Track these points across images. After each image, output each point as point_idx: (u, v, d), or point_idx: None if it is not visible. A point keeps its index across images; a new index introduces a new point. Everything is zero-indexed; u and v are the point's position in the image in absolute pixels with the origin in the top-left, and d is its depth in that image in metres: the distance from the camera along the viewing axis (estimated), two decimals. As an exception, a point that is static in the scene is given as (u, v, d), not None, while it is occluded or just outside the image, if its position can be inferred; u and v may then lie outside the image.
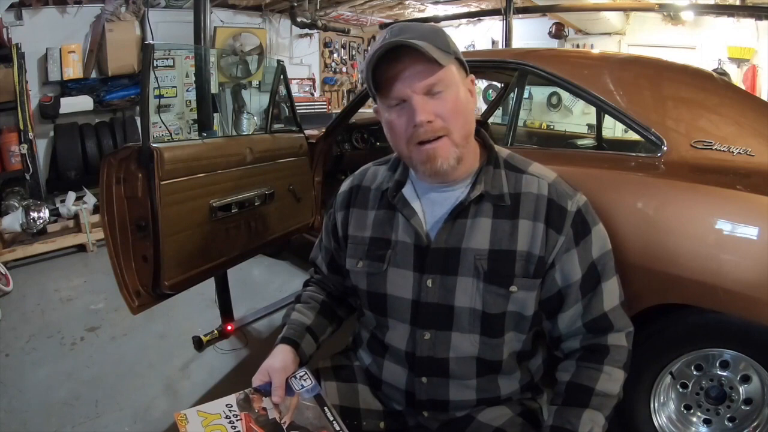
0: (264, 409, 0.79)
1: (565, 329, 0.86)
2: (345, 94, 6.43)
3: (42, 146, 3.86)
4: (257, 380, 0.83)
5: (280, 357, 0.87)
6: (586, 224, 0.84)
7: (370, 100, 0.87)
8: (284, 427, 0.77)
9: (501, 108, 3.22)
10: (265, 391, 0.81)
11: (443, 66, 0.76)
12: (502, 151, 0.90)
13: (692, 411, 1.31)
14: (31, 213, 3.26)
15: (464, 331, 0.83)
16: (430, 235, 0.85)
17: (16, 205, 3.40)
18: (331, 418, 0.79)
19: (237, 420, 0.76)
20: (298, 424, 0.78)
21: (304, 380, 0.83)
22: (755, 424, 1.22)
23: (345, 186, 0.99)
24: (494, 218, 0.83)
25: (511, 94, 2.34)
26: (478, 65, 1.78)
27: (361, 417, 0.90)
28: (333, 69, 6.31)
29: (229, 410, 0.78)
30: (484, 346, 0.84)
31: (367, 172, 0.98)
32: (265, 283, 2.90)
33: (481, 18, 5.61)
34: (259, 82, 5.24)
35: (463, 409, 0.88)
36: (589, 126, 3.58)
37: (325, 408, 0.80)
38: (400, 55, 0.76)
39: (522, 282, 0.81)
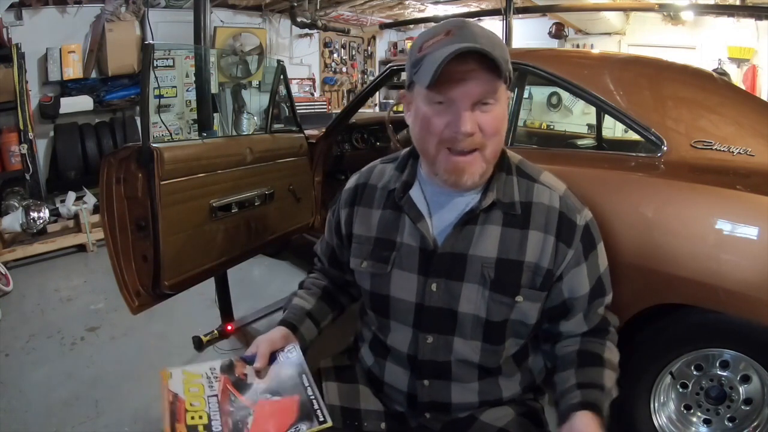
0: (245, 375, 0.82)
1: (565, 332, 0.88)
2: (345, 94, 6.42)
3: (42, 146, 3.85)
4: (247, 352, 0.86)
5: (271, 332, 0.89)
6: (593, 239, 0.85)
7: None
8: (258, 391, 0.79)
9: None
10: (250, 360, 0.84)
11: (501, 81, 0.74)
12: (514, 157, 0.89)
13: (692, 411, 1.31)
14: (31, 213, 3.26)
15: (466, 338, 0.83)
16: (437, 239, 0.84)
17: (16, 205, 3.40)
18: (307, 384, 0.80)
19: (216, 381, 0.79)
20: (274, 388, 0.80)
21: (290, 353, 0.85)
22: (755, 424, 1.22)
23: (351, 183, 0.97)
24: (504, 226, 0.82)
25: (511, 94, 2.34)
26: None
27: (362, 417, 0.90)
28: (333, 69, 6.30)
29: (212, 372, 0.81)
30: (485, 353, 0.84)
31: (374, 170, 0.96)
32: (265, 283, 2.90)
33: (481, 18, 5.59)
34: (259, 82, 5.24)
35: (465, 411, 0.88)
36: (589, 126, 3.57)
37: (303, 375, 0.81)
38: (467, 58, 0.71)
39: (528, 293, 0.82)
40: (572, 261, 0.82)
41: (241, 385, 0.80)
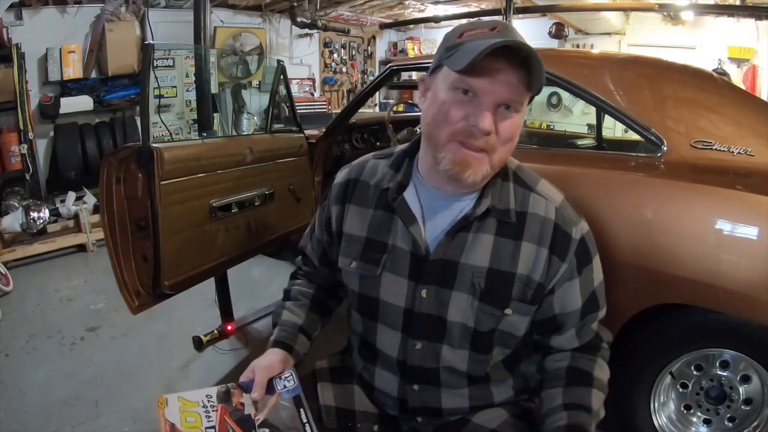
0: (242, 404, 0.80)
1: (556, 346, 0.87)
2: (345, 94, 6.43)
3: (42, 146, 3.85)
4: (243, 377, 0.83)
5: (268, 357, 0.86)
6: (588, 253, 0.83)
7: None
8: (256, 424, 0.78)
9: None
10: (247, 387, 0.82)
11: (529, 94, 0.74)
12: (512, 162, 0.86)
13: (692, 411, 1.31)
14: (31, 213, 3.26)
15: (455, 346, 0.82)
16: (430, 245, 0.82)
17: (16, 205, 3.40)
18: (305, 420, 0.79)
19: (213, 411, 0.78)
20: (271, 422, 0.79)
21: (288, 381, 0.84)
22: (755, 424, 1.22)
23: (341, 178, 0.93)
24: (497, 235, 0.80)
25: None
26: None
27: (356, 419, 0.90)
28: (333, 69, 6.30)
29: (208, 400, 0.79)
30: (473, 362, 0.83)
31: (366, 165, 0.92)
32: (265, 283, 2.90)
33: (481, 18, 5.60)
34: (259, 82, 5.23)
35: (457, 415, 0.88)
36: (589, 126, 3.57)
37: (302, 410, 0.80)
38: (507, 59, 0.70)
39: (518, 306, 0.80)
40: (565, 275, 0.81)
41: (238, 416, 0.78)
